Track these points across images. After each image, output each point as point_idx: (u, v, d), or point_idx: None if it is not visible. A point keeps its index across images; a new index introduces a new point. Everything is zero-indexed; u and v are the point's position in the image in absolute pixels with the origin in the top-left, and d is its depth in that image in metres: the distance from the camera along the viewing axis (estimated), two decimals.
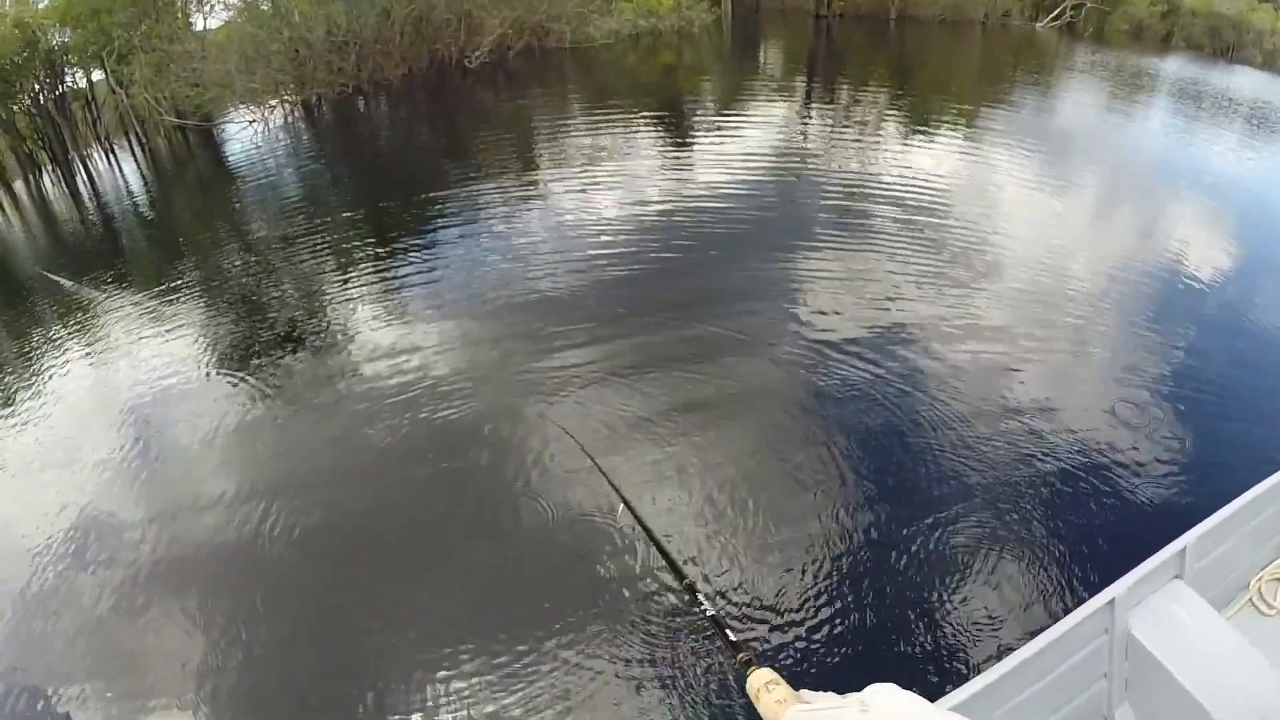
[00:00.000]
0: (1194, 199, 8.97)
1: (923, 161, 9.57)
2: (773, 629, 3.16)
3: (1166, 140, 11.20)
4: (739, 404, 4.65)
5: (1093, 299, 5.99)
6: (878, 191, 8.42)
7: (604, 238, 7.23)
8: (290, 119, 15.44)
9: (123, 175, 14.33)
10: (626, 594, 3.32)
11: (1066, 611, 2.33)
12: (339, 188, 11.13)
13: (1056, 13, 22.50)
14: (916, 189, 8.39)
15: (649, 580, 3.37)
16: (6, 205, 13.19)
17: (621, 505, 2.43)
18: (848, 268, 6.47)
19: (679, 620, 3.18)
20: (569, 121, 12.87)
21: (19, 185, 14.23)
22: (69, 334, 6.73)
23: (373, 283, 6.78)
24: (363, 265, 7.26)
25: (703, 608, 1.74)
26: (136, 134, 15.21)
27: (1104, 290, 6.17)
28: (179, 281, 7.47)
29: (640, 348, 5.23)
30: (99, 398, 5.56)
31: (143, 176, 14.16)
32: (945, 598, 3.27)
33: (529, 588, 3.42)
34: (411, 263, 7.12)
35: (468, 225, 8.01)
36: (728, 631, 1.63)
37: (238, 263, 7.86)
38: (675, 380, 4.84)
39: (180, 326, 6.41)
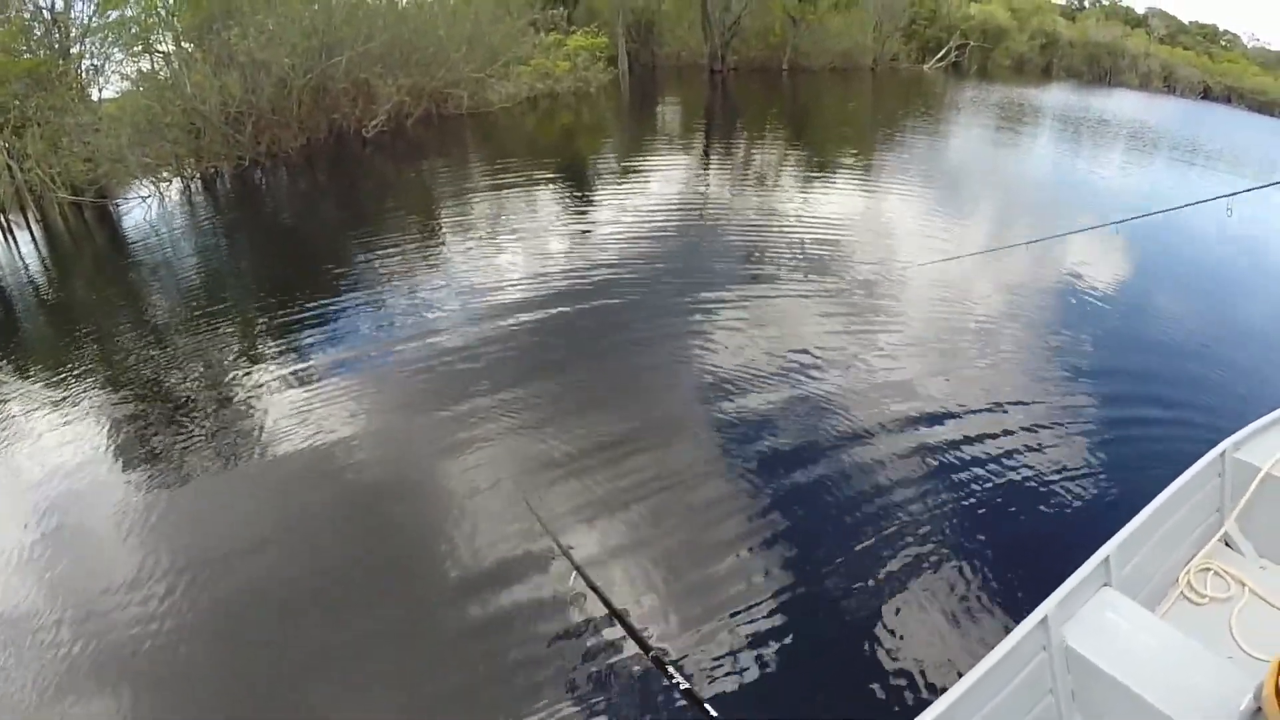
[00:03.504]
0: (1084, 217, 9.42)
1: (820, 199, 10.13)
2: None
3: (1055, 162, 11.75)
4: (656, 456, 4.78)
5: (994, 321, 6.30)
6: (777, 230, 8.99)
7: (511, 296, 7.48)
8: (188, 192, 15.79)
9: (19, 253, 14.52)
10: (589, 671, 3.06)
11: (1004, 633, 2.37)
12: (238, 262, 11.22)
13: (942, 54, 23.80)
14: (815, 226, 9.01)
15: (609, 651, 3.13)
16: None
17: (574, 573, 2.35)
18: (755, 303, 6.82)
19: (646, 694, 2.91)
20: (469, 186, 13.25)
21: None
22: None
23: (277, 353, 6.78)
24: (266, 337, 7.24)
25: (675, 681, 1.57)
26: (32, 210, 15.54)
27: (1005, 312, 6.48)
28: (77, 363, 7.26)
29: (557, 398, 5.46)
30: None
31: (39, 254, 14.33)
32: (883, 630, 3.31)
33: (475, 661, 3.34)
34: (316, 332, 7.17)
35: (371, 293, 8.15)
36: (707, 707, 1.46)
37: (137, 341, 7.71)
38: (594, 427, 5.05)
39: (80, 408, 6.20)
